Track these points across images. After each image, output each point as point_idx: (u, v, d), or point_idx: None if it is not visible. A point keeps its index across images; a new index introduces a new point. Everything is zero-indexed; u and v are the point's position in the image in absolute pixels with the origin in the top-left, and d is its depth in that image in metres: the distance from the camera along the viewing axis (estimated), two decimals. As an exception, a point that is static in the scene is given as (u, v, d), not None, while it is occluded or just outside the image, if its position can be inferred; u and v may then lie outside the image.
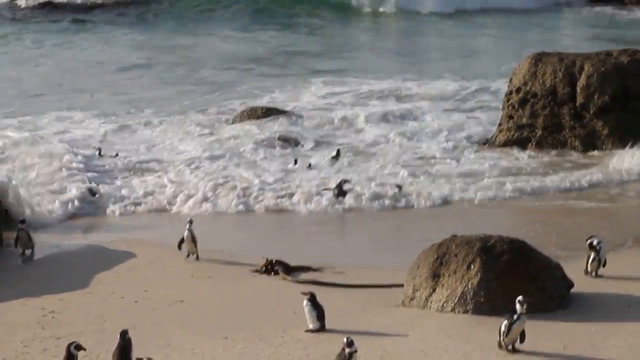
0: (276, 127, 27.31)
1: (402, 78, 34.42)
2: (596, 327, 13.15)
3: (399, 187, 21.62)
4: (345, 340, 11.45)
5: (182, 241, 17.33)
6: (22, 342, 13.30)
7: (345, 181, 21.43)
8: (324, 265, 16.62)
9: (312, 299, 13.55)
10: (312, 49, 42.03)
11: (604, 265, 15.51)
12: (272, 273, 16.32)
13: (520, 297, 12.41)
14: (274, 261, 16.50)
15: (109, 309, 14.68)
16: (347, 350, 11.35)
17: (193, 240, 17.27)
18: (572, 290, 14.31)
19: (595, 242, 15.52)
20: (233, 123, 28.28)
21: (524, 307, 12.33)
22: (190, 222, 17.45)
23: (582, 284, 14.52)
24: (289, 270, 16.33)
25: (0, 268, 17.23)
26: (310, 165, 23.77)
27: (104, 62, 39.46)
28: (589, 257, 15.56)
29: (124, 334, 11.79)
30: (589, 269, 15.52)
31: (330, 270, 16.34)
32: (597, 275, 15.43)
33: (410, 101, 31.09)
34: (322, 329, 13.38)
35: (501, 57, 38.03)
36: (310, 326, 13.42)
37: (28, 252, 17.66)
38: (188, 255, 17.36)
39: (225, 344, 12.99)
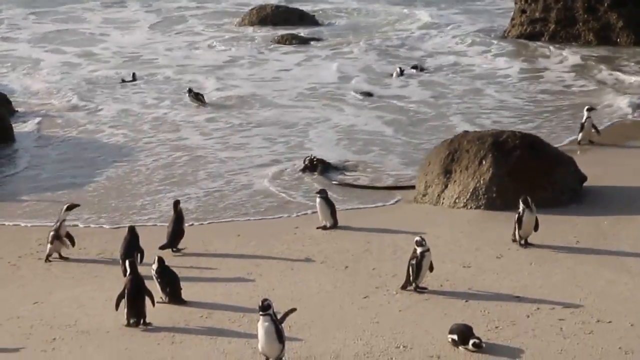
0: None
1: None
2: (609, 220, 13.11)
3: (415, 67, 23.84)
4: (416, 239, 11.03)
5: (56, 237, 12.63)
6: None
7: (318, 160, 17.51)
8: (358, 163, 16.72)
9: (325, 196, 13.54)
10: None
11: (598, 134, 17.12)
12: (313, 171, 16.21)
13: (522, 199, 12.34)
14: (314, 159, 16.39)
15: (122, 207, 14.76)
16: (419, 249, 10.93)
17: (68, 235, 12.72)
18: (585, 184, 14.25)
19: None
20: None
21: (529, 203, 12.23)
22: (68, 209, 12.93)
23: (595, 178, 14.44)
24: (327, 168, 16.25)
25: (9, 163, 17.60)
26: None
27: None
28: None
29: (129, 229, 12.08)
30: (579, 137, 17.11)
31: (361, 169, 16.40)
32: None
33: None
34: (334, 225, 13.41)
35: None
36: (323, 223, 13.44)
37: None
38: (61, 256, 12.65)
39: (238, 241, 13.04)
